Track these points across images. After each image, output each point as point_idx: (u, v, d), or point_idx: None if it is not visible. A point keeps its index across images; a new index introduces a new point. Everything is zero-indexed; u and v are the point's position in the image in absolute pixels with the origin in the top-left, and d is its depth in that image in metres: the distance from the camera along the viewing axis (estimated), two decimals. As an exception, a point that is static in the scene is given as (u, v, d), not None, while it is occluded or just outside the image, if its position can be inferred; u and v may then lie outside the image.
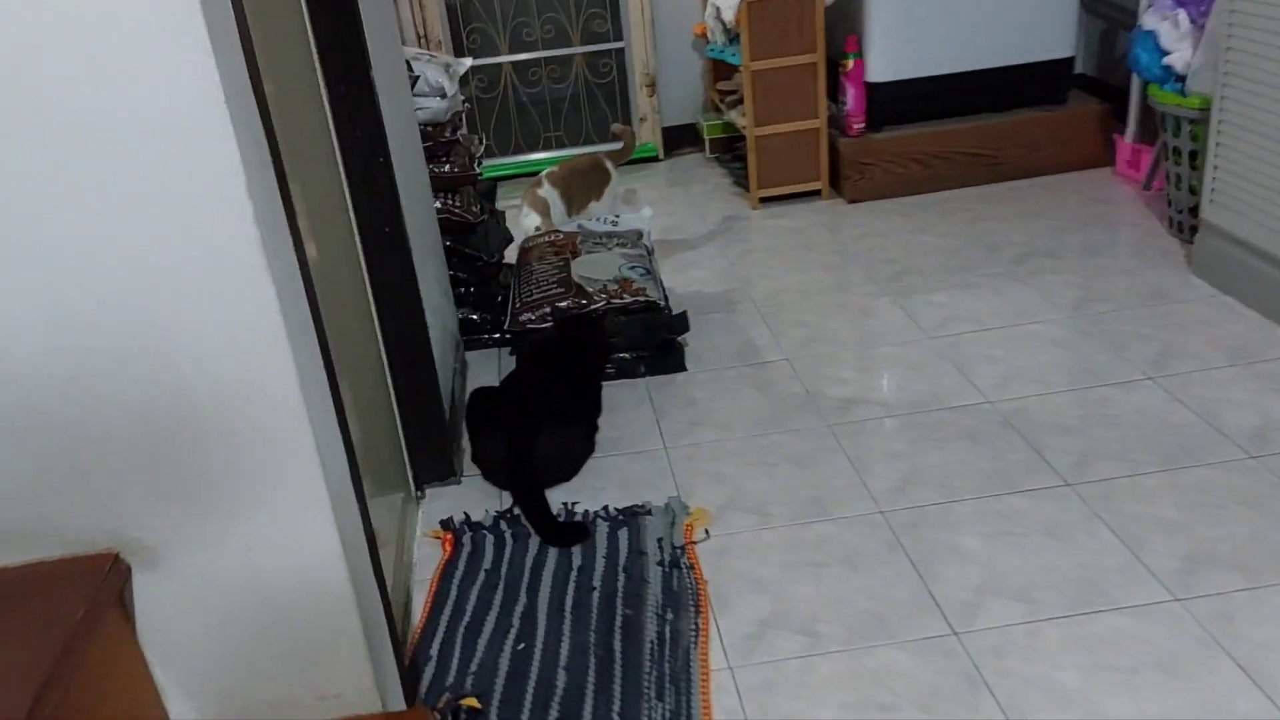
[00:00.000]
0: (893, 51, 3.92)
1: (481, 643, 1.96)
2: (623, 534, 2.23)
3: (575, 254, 3.08)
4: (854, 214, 3.92)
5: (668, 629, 1.94)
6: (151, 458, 1.45)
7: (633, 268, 2.99)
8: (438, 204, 2.94)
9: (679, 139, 4.91)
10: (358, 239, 2.25)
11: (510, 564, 2.18)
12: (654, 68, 4.72)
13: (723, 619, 1.97)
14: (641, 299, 2.88)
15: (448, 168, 2.94)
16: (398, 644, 1.75)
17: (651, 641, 1.91)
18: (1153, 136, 3.65)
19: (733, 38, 4.11)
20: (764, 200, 4.12)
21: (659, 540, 2.19)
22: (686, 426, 2.63)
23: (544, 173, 3.61)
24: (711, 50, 4.33)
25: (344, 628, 1.63)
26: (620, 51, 4.76)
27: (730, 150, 4.61)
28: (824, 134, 4.02)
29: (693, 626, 1.94)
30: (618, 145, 3.93)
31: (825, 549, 2.13)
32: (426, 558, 2.25)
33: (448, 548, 2.26)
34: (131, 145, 1.29)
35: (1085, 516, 2.13)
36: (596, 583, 2.08)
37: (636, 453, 2.55)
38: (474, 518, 2.34)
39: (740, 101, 4.26)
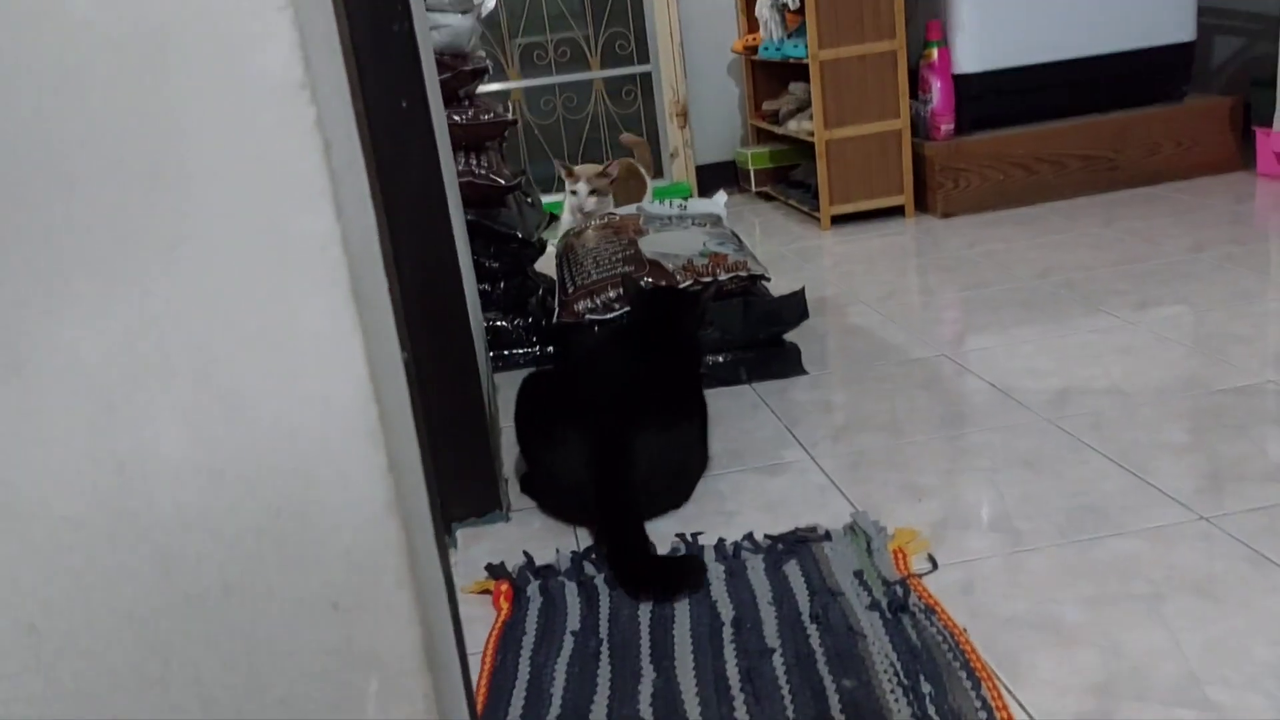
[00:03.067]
0: (984, 36, 3.29)
1: (591, 750, 1.07)
2: (792, 569, 1.36)
3: (641, 234, 2.30)
4: (954, 228, 3.19)
5: (931, 710, 1.07)
6: None
7: (721, 244, 2.21)
8: (456, 165, 2.16)
9: (715, 178, 4.22)
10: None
11: (613, 622, 1.30)
12: (685, 96, 4.07)
13: (1022, 691, 1.10)
14: (742, 274, 2.09)
15: (472, 114, 2.17)
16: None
17: (912, 732, 1.04)
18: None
19: (792, 31, 3.47)
20: (837, 220, 3.39)
21: (858, 574, 1.33)
22: (835, 432, 1.80)
23: (578, 168, 2.89)
24: (766, 49, 3.67)
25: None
26: (646, 76, 4.12)
27: (783, 180, 3.91)
28: (907, 137, 3.34)
29: (978, 703, 1.07)
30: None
31: (1145, 573, 1.28)
32: (469, 621, 1.37)
33: (504, 605, 1.38)
34: None
35: None
36: (774, 642, 1.21)
37: (771, 465, 1.70)
38: (539, 561, 1.47)
39: (799, 110, 3.60)
